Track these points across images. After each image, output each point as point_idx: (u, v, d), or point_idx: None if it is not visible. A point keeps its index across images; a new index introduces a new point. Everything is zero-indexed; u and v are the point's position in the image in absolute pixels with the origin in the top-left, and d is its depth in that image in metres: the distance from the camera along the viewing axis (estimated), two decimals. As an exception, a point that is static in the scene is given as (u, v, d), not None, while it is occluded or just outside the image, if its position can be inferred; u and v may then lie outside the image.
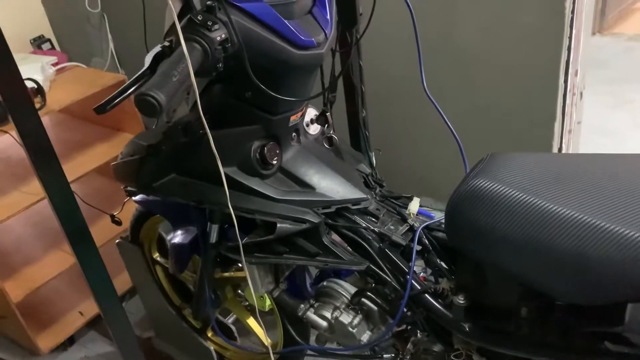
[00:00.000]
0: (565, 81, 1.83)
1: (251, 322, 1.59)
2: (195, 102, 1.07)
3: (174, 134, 1.06)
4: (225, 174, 1.06)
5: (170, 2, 0.80)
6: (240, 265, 1.34)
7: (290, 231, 1.05)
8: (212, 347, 1.67)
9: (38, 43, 2.15)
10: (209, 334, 1.69)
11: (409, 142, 2.12)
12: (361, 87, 1.49)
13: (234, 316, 1.65)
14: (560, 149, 1.96)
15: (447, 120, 1.21)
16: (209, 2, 0.84)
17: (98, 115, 0.84)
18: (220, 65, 0.85)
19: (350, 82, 1.48)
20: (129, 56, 2.34)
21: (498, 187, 0.84)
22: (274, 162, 1.06)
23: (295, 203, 1.07)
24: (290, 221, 1.06)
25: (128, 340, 1.39)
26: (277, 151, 1.07)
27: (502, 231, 0.82)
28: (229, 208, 1.06)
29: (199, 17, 0.82)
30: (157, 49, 0.86)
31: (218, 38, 0.82)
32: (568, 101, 1.91)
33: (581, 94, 1.97)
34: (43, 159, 1.09)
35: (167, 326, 1.76)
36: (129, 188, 1.25)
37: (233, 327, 1.67)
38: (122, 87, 0.83)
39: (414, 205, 1.13)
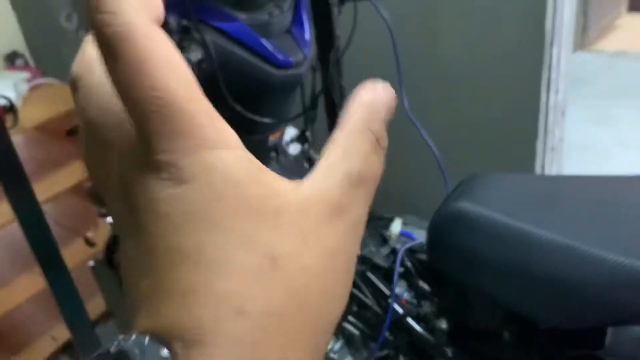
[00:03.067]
0: (547, 99, 1.83)
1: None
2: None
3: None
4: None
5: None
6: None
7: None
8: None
9: (12, 59, 2.10)
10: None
11: (393, 160, 2.07)
12: (342, 106, 1.47)
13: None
14: (543, 167, 1.96)
15: (427, 138, 1.19)
16: (184, 23, 0.81)
17: (69, 137, 0.81)
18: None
19: (332, 100, 1.46)
20: (106, 73, 2.30)
21: (478, 209, 0.82)
22: (252, 183, 1.03)
23: None
24: None
25: None
26: (255, 171, 1.04)
27: (483, 254, 0.80)
28: None
29: (174, 38, 0.79)
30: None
31: (194, 59, 0.79)
32: (550, 119, 1.90)
33: (563, 111, 1.97)
34: (13, 180, 1.05)
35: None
36: (103, 210, 1.21)
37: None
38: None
39: (396, 227, 1.11)
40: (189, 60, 0.77)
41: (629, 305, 0.68)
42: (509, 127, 1.83)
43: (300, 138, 1.14)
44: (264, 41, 0.89)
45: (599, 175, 0.93)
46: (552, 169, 2.03)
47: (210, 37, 0.83)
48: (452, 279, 0.91)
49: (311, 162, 1.17)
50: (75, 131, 0.78)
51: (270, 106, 0.98)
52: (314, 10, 1.05)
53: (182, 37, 0.79)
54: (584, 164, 2.46)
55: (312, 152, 1.17)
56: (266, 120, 0.95)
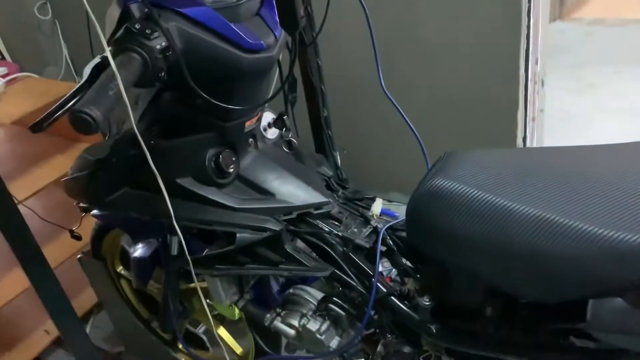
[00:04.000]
0: (526, 70, 1.83)
1: (221, 332, 1.55)
2: (144, 111, 1.04)
3: (123, 146, 1.02)
4: (180, 185, 1.03)
5: (92, 16, 0.76)
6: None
7: (250, 240, 1.02)
8: (183, 359, 1.64)
9: (-14, 54, 2.07)
10: (180, 346, 1.65)
11: (377, 139, 2.10)
12: (321, 87, 1.47)
13: (204, 326, 1.62)
14: (524, 138, 1.97)
15: (405, 116, 1.19)
16: (147, 10, 0.80)
17: (35, 133, 0.80)
18: (162, 74, 0.81)
19: (310, 82, 1.46)
20: (85, 63, 2.27)
21: (454, 185, 0.83)
22: (231, 170, 1.03)
23: (255, 211, 1.04)
24: (250, 230, 1.03)
25: (91, 359, 1.34)
26: (234, 158, 1.04)
27: (460, 231, 0.81)
28: (184, 221, 1.02)
29: (137, 26, 0.78)
30: (97, 59, 0.83)
31: (158, 46, 0.78)
32: (530, 89, 1.91)
33: (542, 81, 1.98)
34: None
35: (136, 340, 1.72)
36: (81, 204, 1.20)
37: (205, 337, 1.64)
38: (59, 102, 0.79)
39: (377, 206, 1.11)
40: (152, 49, 0.76)
41: (610, 277, 0.69)
42: (489, 100, 1.84)
43: (278, 122, 1.14)
44: (232, 25, 0.89)
45: (575, 146, 0.93)
46: (533, 140, 2.04)
47: (175, 22, 0.82)
48: (432, 257, 0.92)
49: (291, 147, 1.17)
50: (40, 125, 0.77)
51: (242, 91, 0.97)
52: None
53: (145, 24, 0.78)
54: (566, 134, 2.48)
55: (290, 136, 1.17)
56: (235, 107, 0.94)
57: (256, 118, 1.06)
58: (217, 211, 1.03)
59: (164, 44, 0.79)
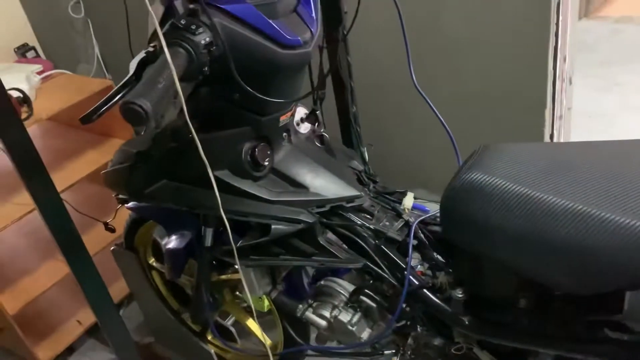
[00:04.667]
0: (554, 67, 1.83)
1: (250, 323, 1.58)
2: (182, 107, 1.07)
3: (163, 139, 1.05)
4: (217, 177, 1.05)
5: (149, 8, 0.79)
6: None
7: (285, 232, 1.05)
8: (212, 350, 1.67)
9: (22, 51, 2.13)
10: (209, 337, 1.69)
11: (402, 135, 2.11)
12: (350, 83, 1.48)
13: (233, 318, 1.64)
14: (552, 135, 1.96)
15: (437, 113, 1.20)
16: (191, 6, 0.83)
17: (84, 124, 0.83)
18: (206, 69, 0.84)
19: (339, 78, 1.47)
20: (115, 61, 2.32)
21: (492, 179, 0.84)
22: (266, 163, 1.05)
23: (289, 204, 1.06)
24: (285, 222, 1.05)
25: (127, 347, 1.38)
26: (269, 152, 1.06)
27: (497, 223, 0.82)
28: (219, 212, 1.05)
29: (182, 22, 0.81)
30: (142, 54, 0.85)
31: (202, 41, 0.81)
32: (558, 87, 1.90)
33: (570, 79, 1.97)
34: (31, 170, 1.07)
35: (166, 331, 1.76)
36: (120, 196, 1.24)
37: (233, 329, 1.66)
38: (108, 95, 0.82)
39: (408, 200, 1.13)
40: (198, 44, 0.79)
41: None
42: (517, 97, 1.84)
43: (310, 117, 1.16)
44: (271, 21, 0.91)
45: (608, 140, 0.94)
46: (560, 137, 2.03)
47: (218, 19, 0.85)
48: (466, 249, 0.93)
49: (323, 141, 1.19)
50: (89, 117, 0.80)
51: (279, 86, 0.99)
52: None
53: (190, 20, 0.81)
54: (590, 130, 2.47)
55: (322, 131, 1.19)
56: (275, 100, 0.96)
57: (290, 113, 1.09)
58: (252, 203, 1.06)
59: (208, 39, 0.82)
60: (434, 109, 1.21)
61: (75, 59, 2.29)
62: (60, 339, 1.87)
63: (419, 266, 1.09)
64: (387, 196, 1.17)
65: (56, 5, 2.13)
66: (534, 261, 0.80)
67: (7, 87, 1.69)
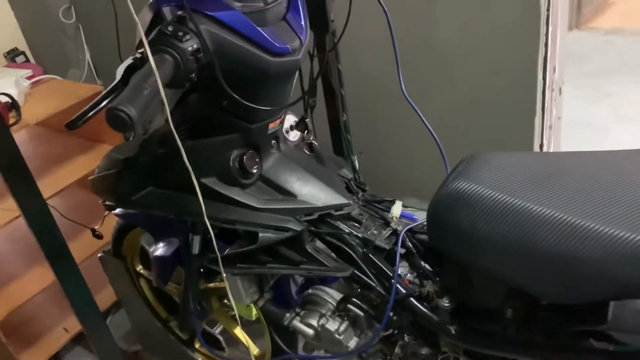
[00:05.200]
0: (544, 77, 1.84)
1: (238, 332, 1.57)
2: (171, 112, 1.06)
3: (151, 145, 1.04)
4: (205, 185, 1.05)
5: (135, 16, 0.78)
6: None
7: (272, 240, 1.04)
8: (200, 359, 1.66)
9: (12, 56, 2.12)
10: (197, 345, 1.67)
11: (393, 143, 2.11)
12: (340, 91, 1.49)
13: (221, 326, 1.63)
14: (541, 145, 1.97)
15: (425, 121, 1.21)
16: (179, 13, 0.83)
17: (70, 130, 0.82)
18: (193, 75, 0.83)
19: (330, 86, 1.48)
20: (106, 66, 2.31)
21: (477, 188, 0.84)
22: (254, 170, 1.05)
23: (277, 211, 1.06)
24: (272, 230, 1.05)
25: (112, 356, 1.37)
26: (257, 159, 1.06)
27: (482, 232, 0.82)
28: (208, 219, 1.04)
29: (169, 28, 0.80)
30: (129, 60, 0.85)
31: (189, 48, 0.81)
32: (547, 97, 1.91)
33: (560, 89, 1.98)
34: (16, 176, 1.06)
35: (154, 339, 1.74)
36: (107, 202, 1.23)
37: (221, 338, 1.65)
38: (94, 101, 0.82)
39: (397, 209, 1.13)
40: (185, 50, 0.79)
41: (630, 279, 0.69)
42: (507, 106, 1.85)
43: (300, 125, 1.16)
44: (259, 29, 0.91)
45: (595, 151, 0.94)
46: (550, 147, 2.04)
47: (205, 26, 0.85)
48: (453, 258, 0.93)
49: (312, 149, 1.19)
50: (75, 123, 0.80)
51: (268, 93, 0.99)
52: None
53: (177, 27, 0.81)
54: (582, 140, 2.48)
55: (312, 139, 1.19)
56: (263, 107, 0.96)
57: (279, 120, 1.08)
58: (240, 211, 1.05)
59: (195, 46, 0.82)
60: (423, 117, 1.21)
61: (66, 64, 2.28)
62: (46, 346, 1.85)
63: (407, 275, 1.09)
64: (375, 205, 1.17)
65: (47, 10, 2.12)
66: (518, 270, 0.80)
67: (-6, 92, 1.68)
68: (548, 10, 1.72)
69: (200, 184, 1.05)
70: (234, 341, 1.63)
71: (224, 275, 1.05)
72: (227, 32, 0.88)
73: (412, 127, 1.97)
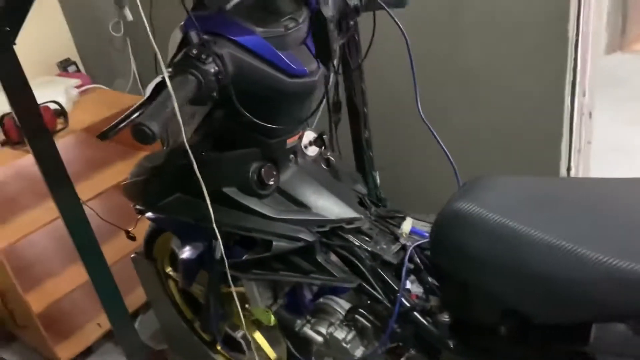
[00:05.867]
0: (572, 102, 1.85)
1: (257, 336, 1.63)
2: (199, 125, 1.15)
3: (176, 156, 1.12)
4: (226, 194, 1.13)
5: (154, 43, 0.87)
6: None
7: (285, 249, 1.10)
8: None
9: (64, 66, 2.27)
10: (218, 348, 1.74)
11: (414, 161, 2.14)
12: (364, 110, 1.54)
13: (243, 331, 1.70)
14: (569, 169, 1.97)
15: (440, 142, 1.25)
16: (204, 37, 0.91)
17: (103, 140, 0.91)
18: (214, 94, 0.91)
19: (354, 105, 1.54)
20: (150, 78, 2.43)
21: (476, 209, 0.88)
22: (271, 182, 1.12)
23: (291, 222, 1.12)
24: (286, 239, 1.11)
25: (137, 354, 1.44)
26: (274, 172, 1.13)
27: (480, 252, 0.86)
28: (227, 227, 1.12)
29: (194, 51, 0.88)
30: (159, 78, 0.93)
31: (211, 70, 0.88)
32: (576, 121, 1.92)
33: (590, 113, 1.98)
34: (56, 180, 1.16)
35: (179, 339, 1.82)
36: (137, 206, 1.32)
37: (242, 342, 1.72)
38: (124, 115, 0.90)
39: (407, 225, 1.17)
40: (207, 72, 0.86)
41: (611, 302, 0.72)
42: (532, 131, 1.86)
43: (318, 141, 1.22)
44: (279, 52, 0.98)
45: (599, 178, 0.97)
46: (579, 171, 2.03)
47: (227, 49, 0.92)
48: (452, 275, 0.96)
49: (329, 164, 1.25)
50: (106, 134, 0.88)
51: (286, 111, 1.06)
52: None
53: (201, 50, 0.88)
54: (615, 165, 2.44)
55: (329, 154, 1.25)
56: (273, 126, 1.03)
57: (298, 136, 1.15)
58: (256, 220, 1.12)
59: (217, 68, 0.89)
60: (437, 137, 1.26)
61: (113, 74, 2.41)
62: (80, 339, 1.97)
63: (415, 290, 1.13)
64: (388, 220, 1.22)
65: (98, 24, 2.26)
66: (509, 289, 0.84)
67: (45, 99, 1.81)
68: (577, 36, 1.74)
69: (221, 192, 1.13)
70: (255, 346, 1.70)
71: (229, 279, 1.12)
72: (248, 55, 0.95)
73: (433, 146, 2.01)
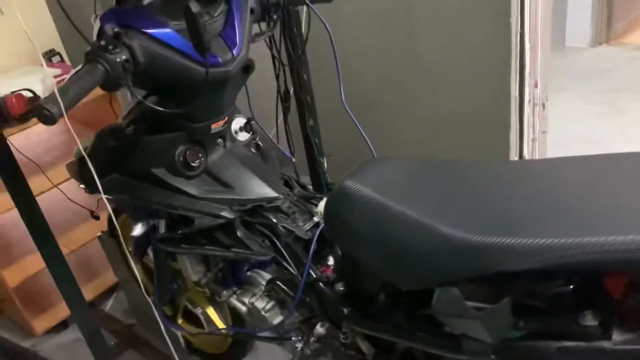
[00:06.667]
0: (522, 92, 1.91)
1: (210, 311, 1.74)
2: (132, 109, 1.25)
3: (104, 138, 1.23)
4: (155, 174, 1.23)
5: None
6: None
7: (207, 225, 1.21)
8: (182, 333, 1.84)
9: (49, 56, 2.39)
10: (179, 322, 1.86)
11: (335, 149, 2.20)
12: (307, 99, 1.63)
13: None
14: (521, 157, 2.03)
15: (362, 130, 1.34)
16: (116, 29, 1.01)
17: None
18: (124, 81, 1.01)
19: (298, 94, 1.63)
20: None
21: (357, 186, 0.96)
22: (195, 164, 1.22)
23: (215, 201, 1.22)
24: (208, 217, 1.21)
25: (96, 340, 1.54)
26: (200, 155, 1.22)
27: (357, 226, 0.95)
28: (156, 205, 1.23)
29: (102, 42, 0.98)
30: (79, 67, 1.04)
31: (118, 59, 0.98)
32: (529, 111, 1.98)
33: (543, 104, 2.04)
34: (8, 174, 1.26)
35: (144, 314, 1.94)
36: (81, 185, 1.43)
37: (201, 316, 1.83)
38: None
39: (322, 204, 1.26)
40: (113, 61, 0.96)
41: (449, 269, 0.81)
42: (482, 120, 1.93)
43: (246, 127, 1.31)
44: (190, 44, 1.07)
45: (469, 160, 1.04)
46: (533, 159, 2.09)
47: (138, 40, 1.02)
48: (341, 249, 1.06)
49: (258, 148, 1.34)
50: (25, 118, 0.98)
51: (202, 99, 1.16)
52: None
53: (110, 41, 0.98)
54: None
55: (258, 140, 1.34)
56: (172, 111, 1.13)
57: (223, 121, 1.24)
58: (183, 198, 1.22)
59: (124, 57, 0.99)
60: (359, 126, 1.35)
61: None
62: (55, 313, 2.09)
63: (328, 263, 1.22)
64: (310, 200, 1.31)
65: (81, 15, 2.38)
66: (380, 261, 0.93)
67: (20, 87, 1.93)
68: (522, 28, 1.80)
69: (151, 173, 1.23)
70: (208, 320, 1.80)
71: (152, 253, 1.23)
72: (159, 46, 1.05)
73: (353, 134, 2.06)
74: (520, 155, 2.03)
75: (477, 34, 1.79)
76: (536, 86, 1.96)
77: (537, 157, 2.11)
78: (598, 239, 0.69)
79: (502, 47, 1.77)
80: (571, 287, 0.75)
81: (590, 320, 0.74)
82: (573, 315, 0.76)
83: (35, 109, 0.88)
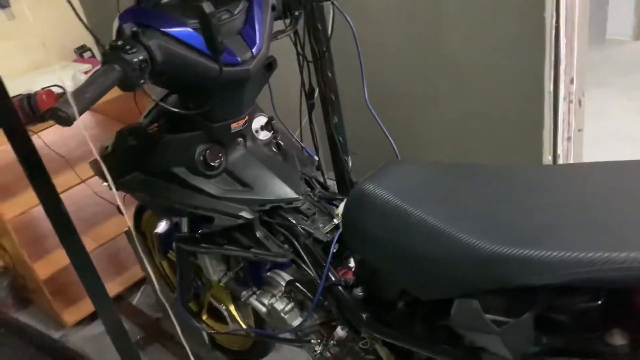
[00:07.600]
0: (556, 89, 1.84)
1: (232, 308, 1.74)
2: (153, 108, 1.25)
3: (124, 137, 1.23)
4: (175, 174, 1.23)
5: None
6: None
7: (226, 225, 1.20)
8: (205, 329, 1.85)
9: (80, 52, 2.42)
10: (204, 317, 1.87)
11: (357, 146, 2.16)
12: (331, 96, 1.60)
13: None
14: (556, 157, 1.96)
15: (384, 129, 1.30)
16: (133, 29, 1.00)
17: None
18: (142, 81, 1.00)
19: (322, 91, 1.60)
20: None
21: (376, 190, 0.93)
22: (216, 163, 1.21)
23: (234, 201, 1.21)
24: (228, 217, 1.20)
25: (120, 335, 1.55)
26: (220, 155, 1.21)
27: (375, 231, 0.92)
28: (176, 204, 1.22)
29: (119, 43, 0.97)
30: (98, 66, 1.03)
31: (135, 60, 0.97)
32: (563, 108, 1.90)
33: (580, 101, 1.96)
34: (33, 171, 1.26)
35: (170, 309, 1.95)
36: (104, 183, 1.44)
37: (225, 313, 1.84)
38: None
39: (342, 206, 1.23)
40: (130, 62, 0.95)
41: (469, 279, 0.78)
42: (514, 118, 1.86)
43: (267, 126, 1.29)
44: None
45: (493, 164, 1.00)
46: (569, 159, 2.02)
47: (156, 40, 1.00)
48: (359, 253, 1.03)
49: (279, 147, 1.32)
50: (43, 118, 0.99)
51: (221, 98, 1.14)
52: None
53: (127, 41, 0.97)
54: (619, 153, 2.40)
55: (279, 139, 1.32)
56: (190, 112, 1.11)
57: (243, 121, 1.23)
58: (203, 198, 1.21)
59: (141, 57, 0.98)
60: (381, 125, 1.31)
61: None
62: (85, 306, 2.13)
63: (348, 266, 1.20)
64: (331, 201, 1.29)
65: (111, 13, 2.40)
66: (398, 268, 0.90)
67: (51, 83, 1.96)
68: (557, 22, 1.73)
69: (172, 172, 1.23)
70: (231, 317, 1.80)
71: (175, 252, 1.22)
72: (179, 46, 1.04)
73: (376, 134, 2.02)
74: (554, 155, 1.96)
75: (508, 28, 1.73)
76: (572, 82, 1.88)
77: (572, 156, 2.03)
78: (628, 255, 0.64)
79: (536, 42, 1.70)
80: (598, 302, 0.71)
81: (618, 340, 0.70)
82: (600, 333, 0.71)
83: (50, 111, 0.88)
